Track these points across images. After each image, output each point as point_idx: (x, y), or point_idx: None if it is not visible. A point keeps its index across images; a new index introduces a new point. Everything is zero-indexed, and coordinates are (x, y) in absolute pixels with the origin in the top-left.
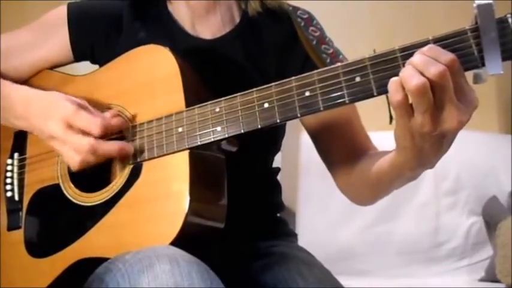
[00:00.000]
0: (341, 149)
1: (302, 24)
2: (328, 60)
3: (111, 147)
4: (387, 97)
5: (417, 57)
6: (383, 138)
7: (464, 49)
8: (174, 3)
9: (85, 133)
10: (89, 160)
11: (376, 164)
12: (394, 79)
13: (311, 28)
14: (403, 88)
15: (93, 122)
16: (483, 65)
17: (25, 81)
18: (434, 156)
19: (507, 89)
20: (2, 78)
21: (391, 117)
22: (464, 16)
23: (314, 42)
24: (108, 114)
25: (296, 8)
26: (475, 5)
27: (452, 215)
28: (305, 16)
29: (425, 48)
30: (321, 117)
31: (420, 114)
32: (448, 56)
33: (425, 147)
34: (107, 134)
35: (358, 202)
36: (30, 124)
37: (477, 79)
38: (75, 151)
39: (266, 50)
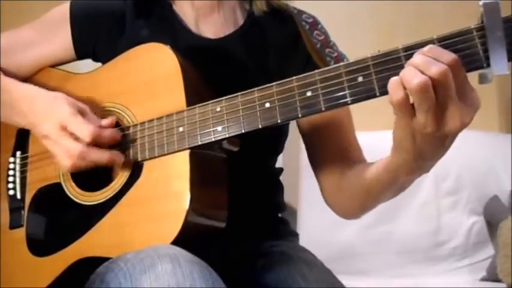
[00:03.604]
0: (331, 157)
1: (307, 27)
2: (332, 63)
3: (101, 155)
4: None
5: (417, 58)
6: (383, 138)
7: (469, 49)
8: (178, 2)
9: (77, 138)
10: (79, 165)
11: (369, 171)
12: (393, 78)
13: (316, 32)
14: (404, 87)
15: (85, 129)
16: (488, 65)
17: (27, 78)
18: (433, 158)
19: (508, 88)
20: (2, 75)
21: None
22: (465, 16)
23: (318, 46)
24: (104, 122)
25: (301, 12)
26: (481, 3)
27: (453, 215)
28: (310, 20)
29: (425, 49)
30: (314, 123)
31: (423, 114)
32: (449, 55)
33: (427, 149)
34: (99, 142)
35: (343, 214)
36: (28, 121)
37: (483, 79)
38: (66, 154)
39: (269, 50)
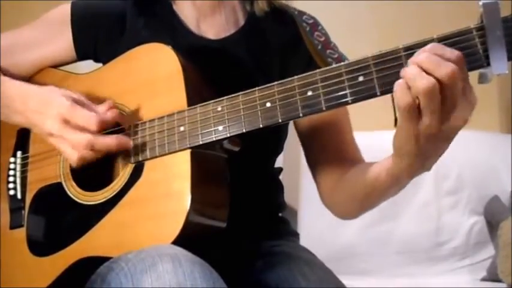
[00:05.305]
0: (329, 158)
1: (307, 29)
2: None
3: (109, 141)
4: (392, 99)
5: (424, 56)
6: (383, 138)
7: (469, 48)
8: (179, 2)
9: (82, 129)
10: (88, 156)
11: (369, 173)
12: (399, 82)
13: (316, 33)
14: (410, 90)
15: (90, 118)
16: (488, 64)
17: (27, 79)
18: (437, 156)
19: (508, 88)
20: (2, 74)
21: (396, 120)
22: (466, 16)
23: (319, 47)
24: (103, 107)
25: (302, 13)
26: (480, 3)
27: (454, 215)
28: (310, 21)
29: (428, 47)
30: (312, 124)
31: (428, 116)
32: (454, 53)
33: (430, 150)
34: (105, 128)
35: (341, 215)
36: (27, 120)
37: (483, 79)
38: (73, 148)
39: (270, 51)
